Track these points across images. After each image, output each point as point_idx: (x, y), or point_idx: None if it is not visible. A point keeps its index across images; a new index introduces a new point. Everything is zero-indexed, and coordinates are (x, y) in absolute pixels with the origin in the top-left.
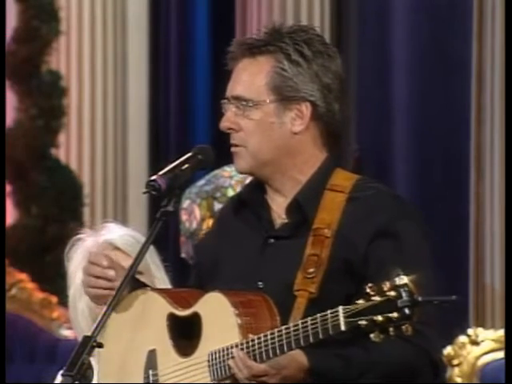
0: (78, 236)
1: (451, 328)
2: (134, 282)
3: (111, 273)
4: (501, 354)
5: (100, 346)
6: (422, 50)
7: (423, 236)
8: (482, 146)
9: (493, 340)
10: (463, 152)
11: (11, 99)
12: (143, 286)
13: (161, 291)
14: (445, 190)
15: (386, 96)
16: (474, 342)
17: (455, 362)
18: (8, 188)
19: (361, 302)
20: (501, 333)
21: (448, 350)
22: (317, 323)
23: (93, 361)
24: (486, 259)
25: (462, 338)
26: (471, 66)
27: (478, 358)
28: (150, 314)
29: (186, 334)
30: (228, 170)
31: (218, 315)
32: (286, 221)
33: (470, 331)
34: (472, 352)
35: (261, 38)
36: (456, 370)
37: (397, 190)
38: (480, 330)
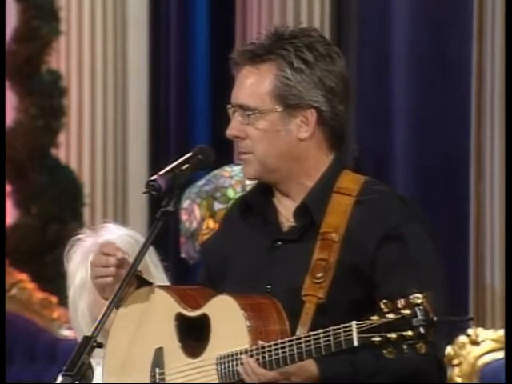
0: (78, 237)
1: (451, 328)
2: (139, 280)
3: (125, 260)
4: (501, 354)
5: (100, 345)
6: (422, 51)
7: (430, 238)
8: (482, 145)
9: (493, 340)
10: (463, 152)
11: (11, 99)
12: (149, 284)
13: (168, 288)
14: (445, 189)
15: (385, 96)
16: (474, 342)
17: (455, 361)
18: (8, 188)
19: (375, 318)
20: (501, 333)
21: (448, 350)
22: (329, 336)
23: (93, 361)
24: (486, 259)
25: (462, 338)
26: (471, 67)
27: (478, 358)
28: (158, 311)
29: (194, 334)
30: (228, 170)
31: (227, 317)
32: (294, 224)
33: (470, 331)
34: (472, 352)
35: (262, 45)
36: (456, 370)
37: (397, 190)
38: (480, 330)
